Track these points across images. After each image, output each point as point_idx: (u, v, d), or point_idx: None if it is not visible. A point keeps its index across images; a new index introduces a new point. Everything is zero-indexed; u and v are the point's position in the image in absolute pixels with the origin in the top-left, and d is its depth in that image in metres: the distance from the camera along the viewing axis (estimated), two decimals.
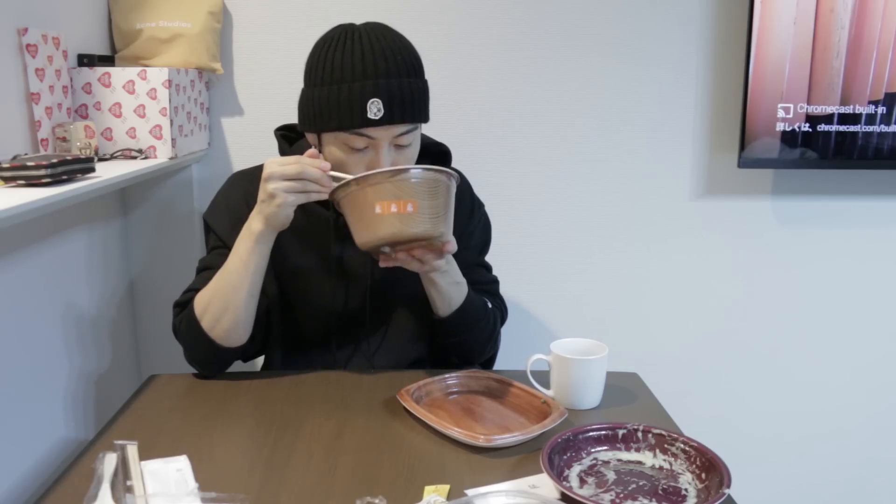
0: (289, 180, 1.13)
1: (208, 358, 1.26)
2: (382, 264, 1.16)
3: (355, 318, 1.32)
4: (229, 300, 1.20)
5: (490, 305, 1.35)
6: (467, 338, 1.31)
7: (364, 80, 1.15)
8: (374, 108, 1.15)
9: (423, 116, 1.22)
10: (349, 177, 1.09)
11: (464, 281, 1.27)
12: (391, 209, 1.05)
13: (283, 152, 1.31)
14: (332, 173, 1.14)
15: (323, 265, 1.31)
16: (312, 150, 1.19)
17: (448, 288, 1.24)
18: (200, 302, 1.23)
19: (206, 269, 1.27)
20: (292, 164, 1.13)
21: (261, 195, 1.16)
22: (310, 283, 1.31)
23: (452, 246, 1.15)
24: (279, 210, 1.14)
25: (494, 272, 1.45)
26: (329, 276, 1.31)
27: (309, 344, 1.35)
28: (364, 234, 1.09)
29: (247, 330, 1.24)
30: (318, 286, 1.31)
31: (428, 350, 1.38)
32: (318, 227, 1.30)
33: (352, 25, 1.21)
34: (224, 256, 1.23)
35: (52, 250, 1.43)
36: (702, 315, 1.95)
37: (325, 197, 1.15)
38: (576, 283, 1.92)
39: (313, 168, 1.13)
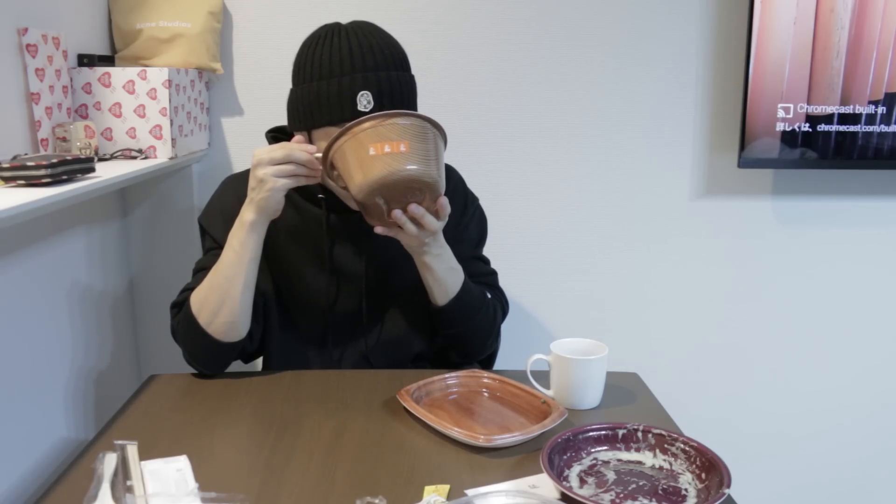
0: (277, 164, 1.14)
1: (207, 355, 1.25)
2: (378, 230, 1.17)
3: (351, 315, 1.33)
4: (225, 293, 1.20)
5: (489, 296, 1.35)
6: (467, 329, 1.31)
7: (353, 74, 1.16)
8: (364, 101, 1.16)
9: (411, 109, 1.22)
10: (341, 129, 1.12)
11: (459, 267, 1.28)
12: (385, 149, 1.09)
13: None
14: (319, 155, 1.15)
15: (317, 263, 1.31)
16: (299, 137, 1.20)
17: (444, 274, 1.25)
18: (196, 299, 1.23)
19: (202, 270, 1.27)
20: (279, 149, 1.15)
21: (251, 183, 1.17)
22: (304, 281, 1.31)
23: (447, 202, 1.15)
24: (270, 195, 1.15)
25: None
26: (323, 273, 1.31)
27: (306, 342, 1.35)
28: (360, 179, 1.10)
29: (245, 324, 1.24)
30: (313, 284, 1.31)
31: (426, 346, 1.37)
32: (310, 226, 1.30)
33: (337, 24, 1.22)
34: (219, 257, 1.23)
35: (52, 250, 1.43)
36: (702, 315, 1.95)
37: (314, 181, 1.17)
38: (576, 282, 1.92)
39: (300, 151, 1.15)
